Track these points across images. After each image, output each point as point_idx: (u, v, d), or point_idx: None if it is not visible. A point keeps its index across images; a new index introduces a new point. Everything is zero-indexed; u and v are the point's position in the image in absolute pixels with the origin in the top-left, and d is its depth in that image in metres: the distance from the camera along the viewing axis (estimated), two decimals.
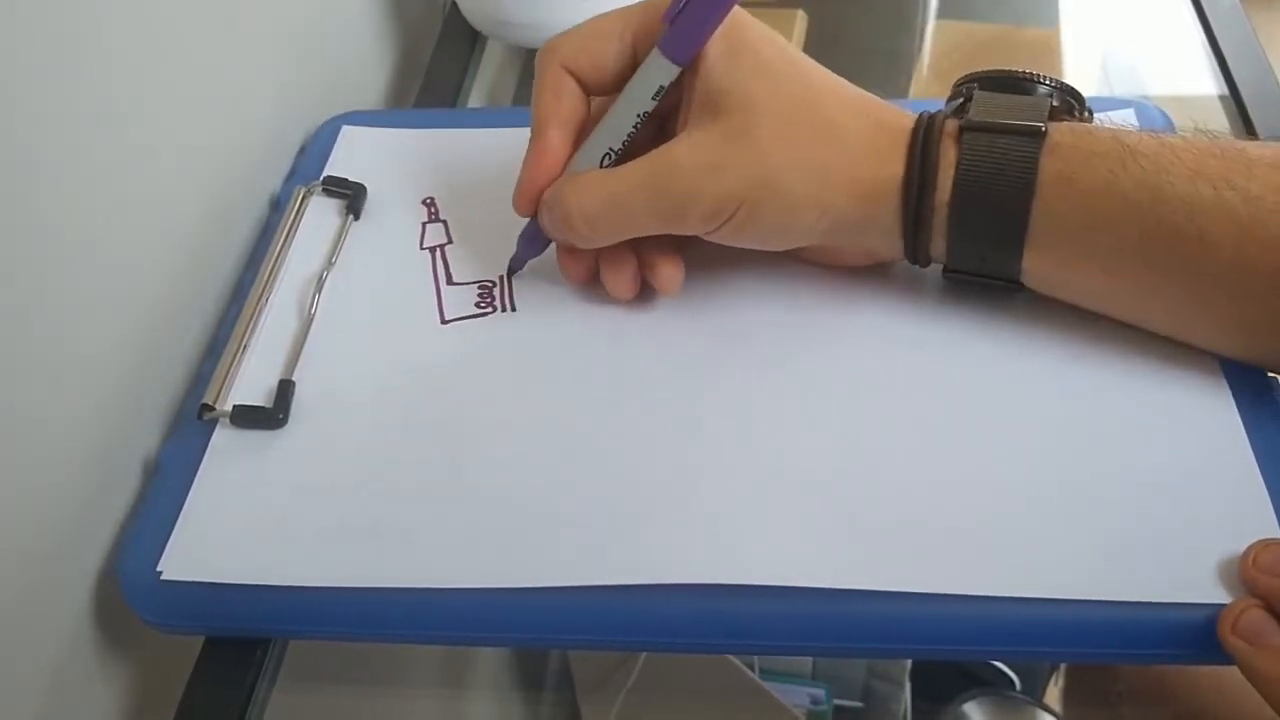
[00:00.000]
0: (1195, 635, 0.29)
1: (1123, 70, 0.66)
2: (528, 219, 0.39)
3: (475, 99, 0.61)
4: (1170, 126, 0.43)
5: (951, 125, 0.34)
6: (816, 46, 0.65)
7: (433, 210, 0.44)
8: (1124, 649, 0.30)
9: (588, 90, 0.37)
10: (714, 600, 0.31)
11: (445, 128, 0.48)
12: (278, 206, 0.45)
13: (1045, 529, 0.31)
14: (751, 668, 0.51)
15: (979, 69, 0.37)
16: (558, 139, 0.37)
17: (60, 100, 0.33)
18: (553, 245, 0.39)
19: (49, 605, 0.34)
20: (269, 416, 0.36)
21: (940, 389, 0.35)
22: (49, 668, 0.33)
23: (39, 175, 0.32)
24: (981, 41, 0.70)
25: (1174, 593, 0.29)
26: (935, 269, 0.37)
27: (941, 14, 0.72)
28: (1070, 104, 0.35)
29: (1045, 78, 0.35)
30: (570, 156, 0.37)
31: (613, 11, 0.37)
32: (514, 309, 0.40)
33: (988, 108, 0.34)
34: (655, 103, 0.36)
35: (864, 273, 0.39)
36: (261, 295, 0.41)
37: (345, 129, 0.48)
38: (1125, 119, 0.44)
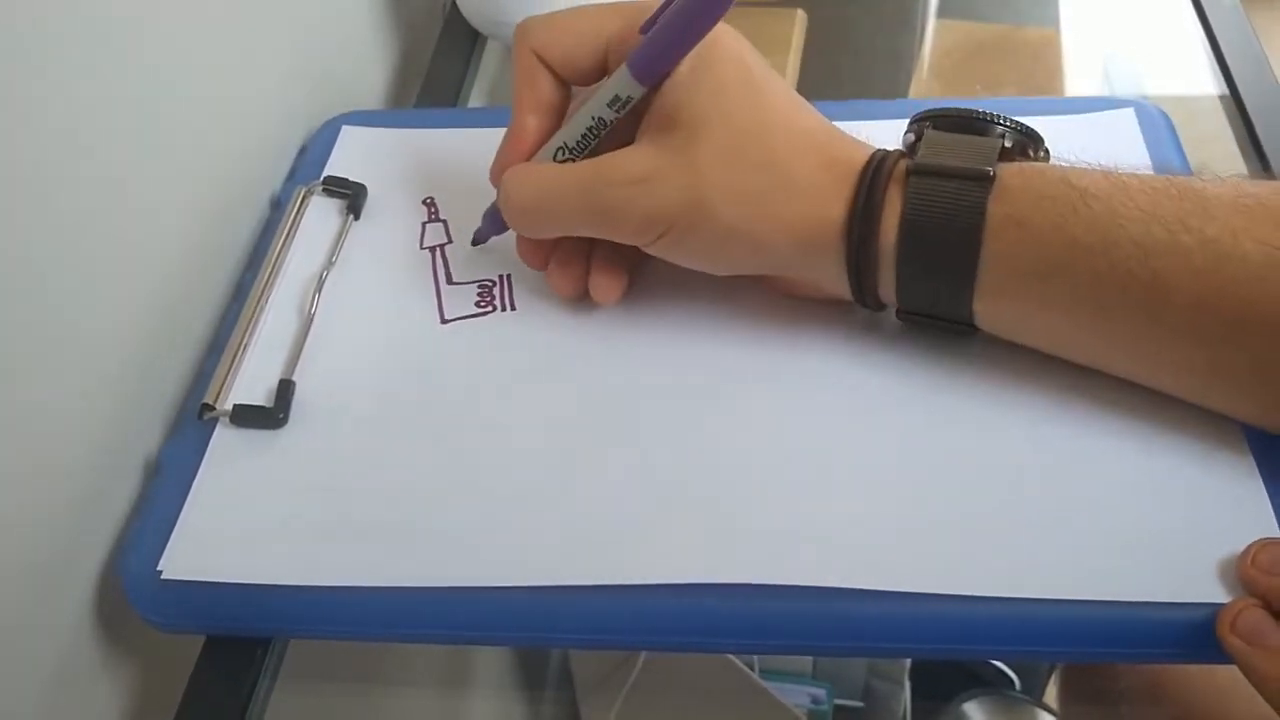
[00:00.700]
0: (1194, 635, 0.29)
1: (1123, 70, 0.66)
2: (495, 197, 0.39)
3: (475, 99, 0.61)
4: (1170, 126, 0.43)
5: (900, 167, 0.33)
6: (817, 46, 0.65)
7: (433, 210, 0.44)
8: (1123, 648, 0.30)
9: (560, 79, 0.37)
10: (714, 600, 0.31)
11: (445, 128, 0.48)
12: (278, 206, 0.46)
13: (1045, 529, 0.31)
14: (752, 667, 0.51)
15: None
16: (531, 124, 0.37)
17: (60, 101, 0.33)
18: None
19: (50, 604, 0.34)
20: (269, 416, 0.36)
21: (940, 389, 0.35)
22: (50, 667, 0.34)
23: (39, 175, 0.33)
24: (982, 41, 0.70)
25: (1173, 592, 0.29)
26: None
27: (942, 13, 0.72)
28: (1025, 144, 0.34)
29: (1001, 118, 0.34)
30: (544, 141, 0.37)
31: (596, 7, 0.37)
32: (514, 308, 0.40)
33: (936, 149, 0.33)
34: (615, 112, 0.35)
35: None
36: (262, 295, 0.41)
37: (345, 129, 0.48)
38: (1125, 119, 0.43)
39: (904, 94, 0.66)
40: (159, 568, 0.33)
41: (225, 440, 0.36)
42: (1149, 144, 0.42)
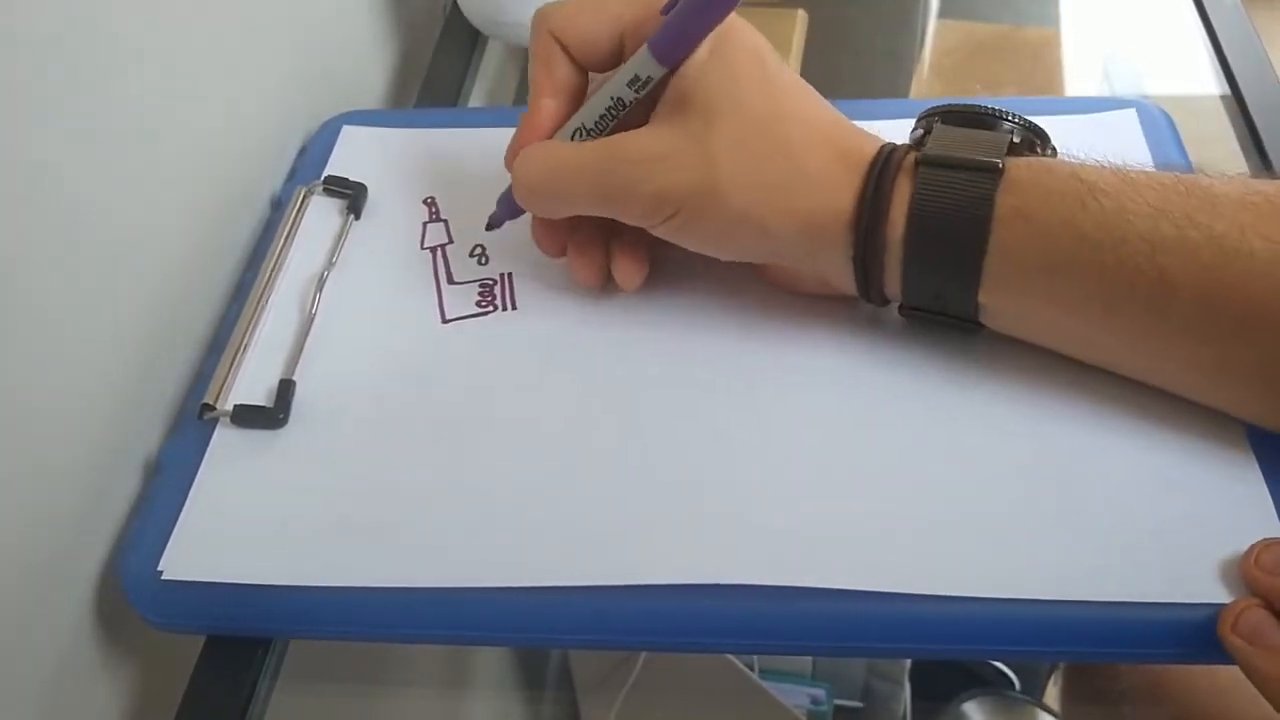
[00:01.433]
0: (1195, 634, 0.29)
1: (1124, 70, 0.66)
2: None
3: (476, 99, 0.61)
4: (1172, 126, 0.43)
5: (909, 159, 0.33)
6: (817, 46, 0.65)
7: (433, 210, 0.44)
8: (1124, 648, 0.30)
9: (577, 63, 0.37)
10: (714, 600, 0.31)
11: (446, 127, 0.48)
12: (278, 206, 0.45)
13: (1045, 529, 0.31)
14: (751, 668, 0.51)
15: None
16: (548, 106, 0.37)
17: (61, 101, 0.33)
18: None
19: (50, 605, 0.34)
20: (270, 416, 0.36)
21: (942, 389, 0.35)
22: (50, 667, 0.34)
23: (40, 175, 0.32)
24: (982, 41, 0.70)
25: (1174, 592, 0.29)
26: None
27: (942, 14, 0.72)
28: (1033, 140, 0.34)
29: (1009, 114, 0.34)
30: (560, 124, 0.37)
31: None
32: (515, 308, 0.40)
33: (945, 142, 0.33)
34: (635, 93, 0.35)
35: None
36: (262, 295, 0.41)
37: (346, 129, 0.48)
38: (1127, 119, 0.43)
39: (904, 94, 0.65)
40: (159, 568, 0.33)
41: (225, 440, 0.36)
42: (1151, 144, 0.42)
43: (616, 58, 0.37)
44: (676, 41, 0.34)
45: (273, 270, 0.41)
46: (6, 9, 0.31)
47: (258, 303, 0.40)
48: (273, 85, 0.47)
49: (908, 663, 0.53)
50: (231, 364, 0.38)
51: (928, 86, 0.67)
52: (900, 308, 0.35)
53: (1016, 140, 0.34)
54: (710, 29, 0.34)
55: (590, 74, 0.38)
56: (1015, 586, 0.30)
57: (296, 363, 0.38)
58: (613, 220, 0.36)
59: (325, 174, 0.45)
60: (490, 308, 0.40)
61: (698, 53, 0.34)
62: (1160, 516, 0.31)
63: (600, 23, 0.36)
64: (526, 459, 0.35)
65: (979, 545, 0.31)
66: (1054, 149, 0.35)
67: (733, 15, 0.34)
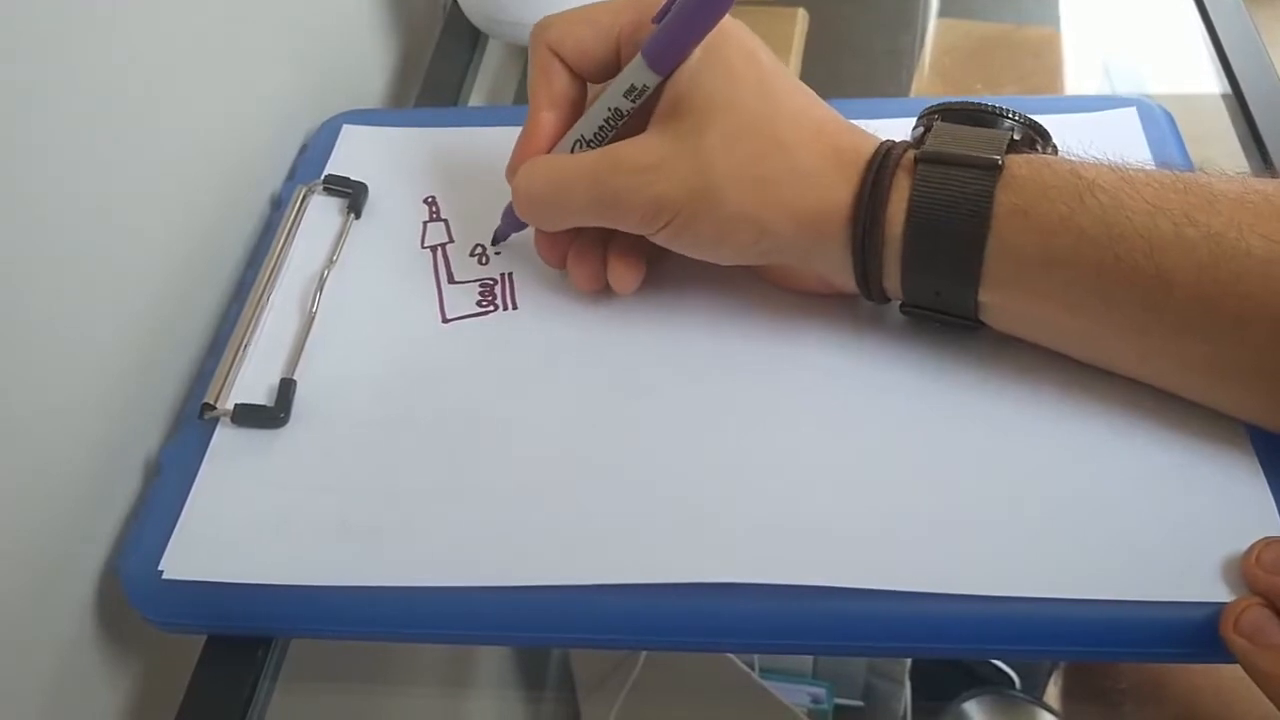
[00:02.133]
0: (1197, 633, 0.29)
1: (1125, 69, 0.66)
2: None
3: (476, 98, 0.61)
4: (1173, 125, 0.43)
5: (909, 156, 0.33)
6: (817, 45, 0.65)
7: (434, 209, 0.44)
8: (1125, 647, 0.30)
9: (575, 74, 0.38)
10: (715, 599, 0.31)
11: (446, 126, 0.48)
12: (279, 205, 0.45)
13: (1046, 528, 0.31)
14: (752, 667, 0.51)
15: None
16: (547, 119, 0.38)
17: (61, 100, 0.33)
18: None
19: (51, 604, 0.34)
20: (270, 415, 0.36)
21: (943, 388, 0.35)
22: (51, 667, 0.34)
23: (40, 175, 0.32)
24: (982, 40, 0.70)
25: (1175, 591, 0.29)
26: None
27: (943, 12, 0.72)
28: (1033, 138, 0.34)
29: (1010, 111, 0.34)
30: (559, 136, 0.38)
31: (609, 2, 0.37)
32: (515, 307, 0.40)
33: (945, 139, 0.33)
34: (631, 103, 0.36)
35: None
36: (263, 294, 0.41)
37: (346, 128, 0.48)
38: (1127, 118, 0.43)
39: (905, 93, 0.65)
40: (160, 567, 0.33)
41: (226, 440, 0.36)
42: (1151, 142, 0.42)
43: (614, 67, 0.37)
44: (669, 49, 0.34)
45: (273, 269, 0.41)
46: (6, 9, 0.31)
47: (258, 302, 0.40)
48: (273, 84, 0.47)
49: (908, 662, 0.53)
50: (232, 363, 0.38)
51: (928, 85, 0.67)
52: (901, 306, 0.35)
53: (1017, 137, 0.34)
54: (703, 35, 0.34)
55: (590, 84, 0.38)
56: (1016, 585, 0.30)
57: (297, 362, 0.38)
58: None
59: (326, 173, 0.45)
60: (491, 307, 0.40)
61: (691, 59, 0.34)
62: (1161, 515, 0.31)
63: (595, 33, 0.37)
64: (527, 458, 0.35)
65: (980, 544, 0.31)
66: (1055, 147, 0.35)
67: (727, 19, 0.34)
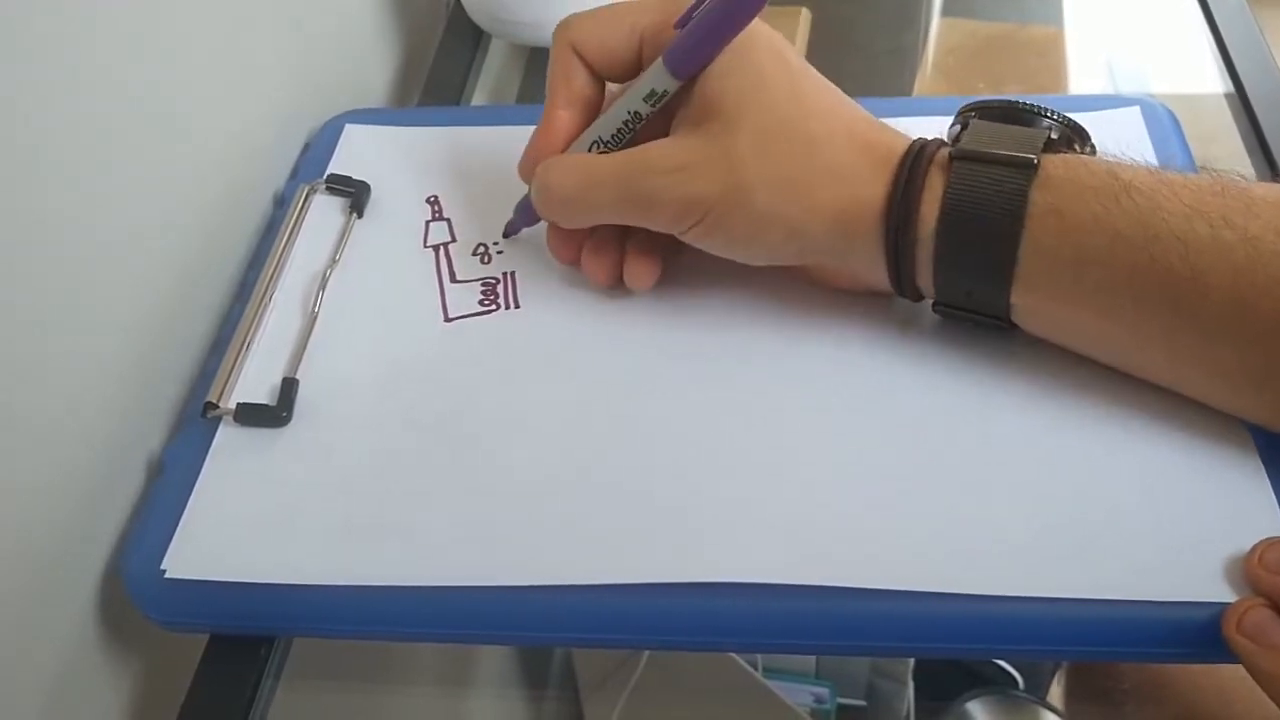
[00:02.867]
0: (1200, 634, 0.29)
1: (1128, 68, 0.66)
2: (527, 190, 0.40)
3: (479, 97, 0.61)
4: (1176, 124, 0.43)
5: (943, 154, 0.33)
6: (820, 44, 0.65)
7: (436, 208, 0.44)
8: (1128, 647, 0.30)
9: (596, 74, 0.38)
10: (717, 598, 0.31)
11: (449, 126, 0.48)
12: (281, 204, 0.45)
13: (1048, 528, 0.31)
14: (755, 667, 0.51)
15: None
16: (565, 117, 0.38)
17: (63, 100, 0.33)
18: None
19: (53, 603, 0.34)
20: (273, 415, 0.36)
21: (950, 390, 0.35)
22: (54, 666, 0.34)
23: (43, 174, 0.32)
24: (986, 39, 0.70)
25: (1178, 591, 0.29)
26: None
27: (946, 12, 0.72)
28: (1070, 137, 0.34)
29: (1049, 110, 0.34)
30: (575, 135, 0.38)
31: (632, 2, 0.37)
32: (518, 306, 0.40)
33: (981, 137, 0.33)
34: (650, 107, 0.36)
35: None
36: (265, 293, 0.41)
37: (349, 127, 0.48)
38: (1131, 117, 0.43)
39: (908, 92, 0.65)
40: (162, 566, 0.33)
41: (229, 439, 0.36)
42: (1155, 142, 0.42)
43: (636, 68, 0.37)
44: (691, 56, 0.34)
45: (276, 268, 0.41)
46: (8, 9, 0.31)
47: (261, 301, 0.40)
48: (276, 83, 0.47)
49: (911, 662, 0.53)
50: (234, 362, 0.38)
51: (931, 85, 0.67)
52: (933, 305, 0.35)
53: (1055, 137, 0.33)
54: (725, 44, 0.34)
55: (607, 85, 0.39)
56: (1019, 585, 0.30)
57: (299, 361, 0.38)
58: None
59: (328, 172, 0.45)
60: (493, 306, 0.40)
61: (718, 60, 0.34)
62: (1164, 515, 0.31)
63: (618, 31, 0.37)
64: (529, 458, 0.35)
65: (983, 543, 0.31)
66: (1093, 147, 0.35)
67: (754, 21, 0.34)
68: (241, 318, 0.40)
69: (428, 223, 0.44)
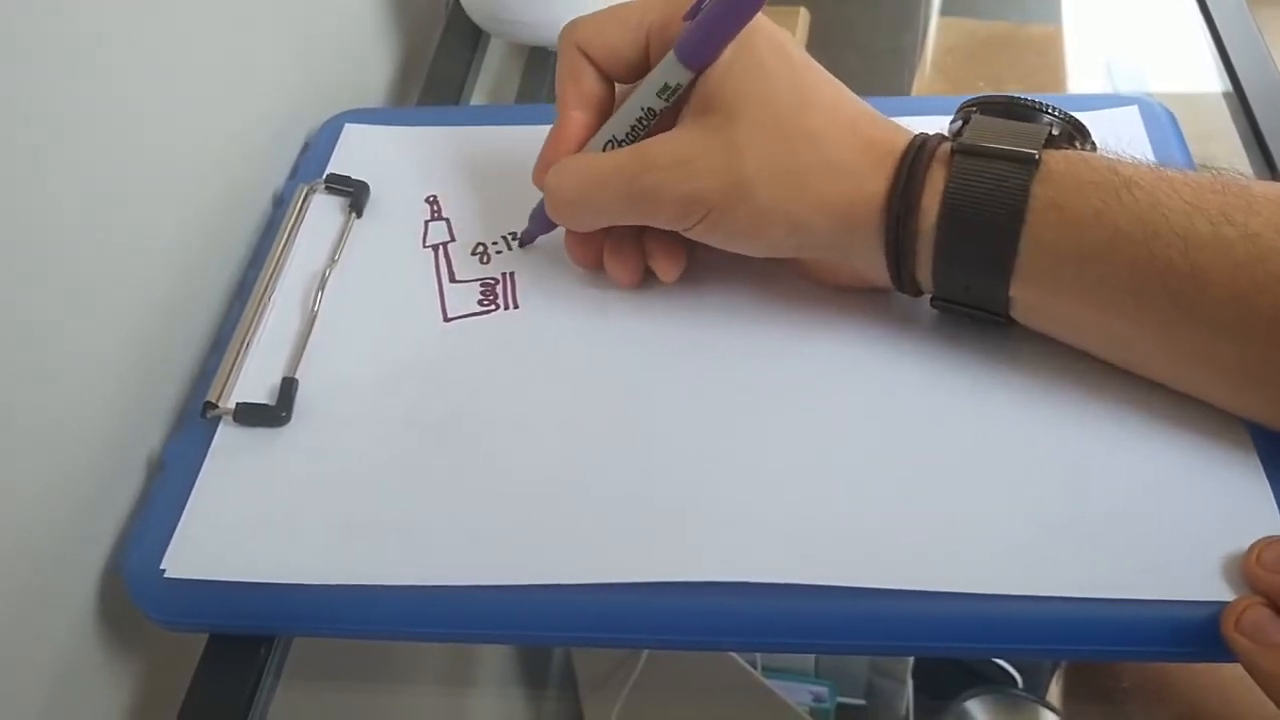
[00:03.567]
0: (1198, 633, 0.29)
1: (1126, 67, 0.66)
2: (541, 197, 0.39)
3: (478, 97, 0.61)
4: (1174, 123, 0.43)
5: (944, 148, 0.33)
6: (819, 43, 0.65)
7: (435, 208, 0.44)
8: (1127, 646, 0.30)
9: (604, 74, 0.38)
10: (717, 598, 0.31)
11: (448, 125, 0.48)
12: (280, 204, 0.46)
13: (1048, 527, 0.31)
14: (755, 666, 0.51)
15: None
16: (577, 119, 0.38)
17: (63, 99, 0.33)
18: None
19: (53, 603, 0.34)
20: (272, 414, 0.36)
21: (950, 389, 0.35)
22: (53, 665, 0.34)
23: (42, 174, 0.33)
24: (984, 39, 0.70)
25: (1177, 590, 0.29)
26: None
27: (944, 11, 0.72)
28: (1071, 134, 0.34)
29: (1050, 106, 0.34)
30: (588, 136, 0.38)
31: (636, 1, 0.37)
32: (517, 306, 0.40)
33: (983, 132, 0.33)
34: (664, 101, 0.36)
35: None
36: (264, 293, 0.41)
37: (348, 127, 0.48)
38: (1129, 116, 0.43)
39: (906, 91, 0.65)
40: (162, 566, 0.33)
41: (228, 438, 0.36)
42: (1153, 141, 0.42)
43: (643, 67, 0.37)
44: (704, 44, 0.34)
45: (275, 268, 0.41)
46: (8, 9, 0.31)
47: (260, 301, 0.40)
48: (275, 83, 0.47)
49: (911, 661, 0.53)
50: (234, 362, 0.38)
51: (930, 84, 0.67)
52: (931, 300, 0.35)
53: (1056, 133, 0.33)
54: (738, 29, 0.34)
55: (617, 85, 0.38)
56: (1018, 584, 0.30)
57: (299, 361, 0.38)
58: None
59: (327, 172, 0.45)
60: (492, 307, 0.40)
61: (721, 55, 0.34)
62: (1163, 514, 0.31)
63: (624, 32, 0.37)
64: (528, 458, 0.35)
65: (982, 543, 0.31)
66: (1094, 143, 0.35)
67: (757, 15, 0.34)
68: (241, 317, 0.40)
69: (427, 222, 0.44)
